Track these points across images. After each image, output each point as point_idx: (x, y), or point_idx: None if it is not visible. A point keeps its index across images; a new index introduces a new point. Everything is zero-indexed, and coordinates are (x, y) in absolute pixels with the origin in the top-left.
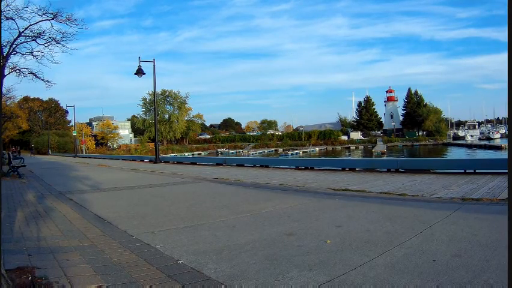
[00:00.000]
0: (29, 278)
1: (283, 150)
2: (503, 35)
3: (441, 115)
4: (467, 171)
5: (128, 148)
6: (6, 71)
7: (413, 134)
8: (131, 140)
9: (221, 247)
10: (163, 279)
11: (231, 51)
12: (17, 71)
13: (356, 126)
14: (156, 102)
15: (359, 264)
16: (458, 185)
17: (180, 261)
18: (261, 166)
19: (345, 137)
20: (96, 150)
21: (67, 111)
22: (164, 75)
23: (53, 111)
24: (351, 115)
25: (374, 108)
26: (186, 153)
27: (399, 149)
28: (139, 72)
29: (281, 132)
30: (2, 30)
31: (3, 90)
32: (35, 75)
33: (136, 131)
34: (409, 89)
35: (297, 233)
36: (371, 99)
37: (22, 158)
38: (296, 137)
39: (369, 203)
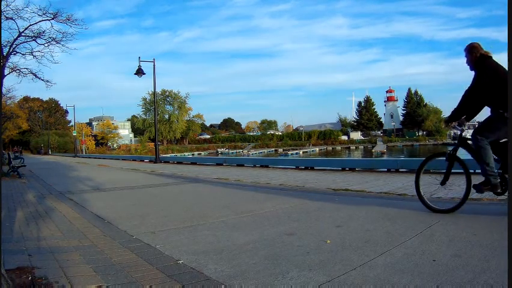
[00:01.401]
0: (29, 278)
1: (283, 150)
2: (503, 35)
3: (442, 115)
4: None
5: (128, 148)
6: (6, 71)
7: (413, 134)
8: (131, 140)
9: (221, 247)
10: (163, 279)
11: (231, 51)
12: (17, 71)
13: (356, 126)
14: (156, 102)
15: (359, 264)
16: (458, 185)
17: (180, 261)
18: (261, 166)
19: (345, 137)
20: (96, 150)
21: (66, 111)
22: (164, 75)
23: (53, 111)
24: (351, 115)
25: (374, 108)
26: (186, 153)
27: (399, 149)
28: (139, 72)
29: (281, 132)
30: (2, 30)
31: (3, 90)
32: (35, 75)
33: (136, 131)
34: (409, 89)
35: (297, 233)
36: (371, 99)
37: (22, 158)
38: (296, 137)
39: (369, 203)
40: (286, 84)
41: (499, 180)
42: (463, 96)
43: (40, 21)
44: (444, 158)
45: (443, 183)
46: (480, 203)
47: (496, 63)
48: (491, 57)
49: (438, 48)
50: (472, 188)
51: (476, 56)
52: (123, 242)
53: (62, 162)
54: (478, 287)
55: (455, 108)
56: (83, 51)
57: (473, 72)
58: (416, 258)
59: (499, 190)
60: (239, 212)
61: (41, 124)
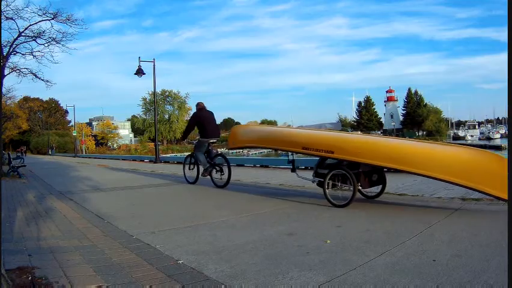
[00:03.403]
0: (29, 278)
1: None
2: (503, 35)
3: (442, 115)
4: None
5: (128, 148)
6: (6, 71)
7: (413, 134)
8: (131, 140)
9: (221, 247)
10: (163, 279)
11: (231, 51)
12: (17, 71)
13: (356, 126)
14: (156, 102)
15: (359, 264)
16: (197, 170)
17: (180, 261)
18: (261, 166)
19: None
20: (96, 150)
21: (67, 111)
22: (164, 75)
23: (53, 111)
24: (351, 115)
25: (374, 108)
26: (186, 153)
27: None
28: (139, 72)
29: None
30: (2, 30)
31: (3, 90)
32: (35, 75)
33: (136, 131)
34: (409, 89)
35: (297, 233)
36: (371, 99)
37: (22, 158)
38: None
39: (369, 202)
40: (286, 84)
41: (207, 165)
42: (187, 127)
43: (40, 21)
44: (190, 157)
45: (189, 169)
46: (480, 203)
47: (203, 112)
48: (203, 108)
49: (438, 48)
50: (204, 173)
51: (197, 109)
52: (123, 242)
53: (62, 162)
54: (478, 287)
55: (183, 133)
56: (83, 51)
57: None
58: (416, 258)
59: (206, 174)
60: (239, 212)
61: (41, 124)
